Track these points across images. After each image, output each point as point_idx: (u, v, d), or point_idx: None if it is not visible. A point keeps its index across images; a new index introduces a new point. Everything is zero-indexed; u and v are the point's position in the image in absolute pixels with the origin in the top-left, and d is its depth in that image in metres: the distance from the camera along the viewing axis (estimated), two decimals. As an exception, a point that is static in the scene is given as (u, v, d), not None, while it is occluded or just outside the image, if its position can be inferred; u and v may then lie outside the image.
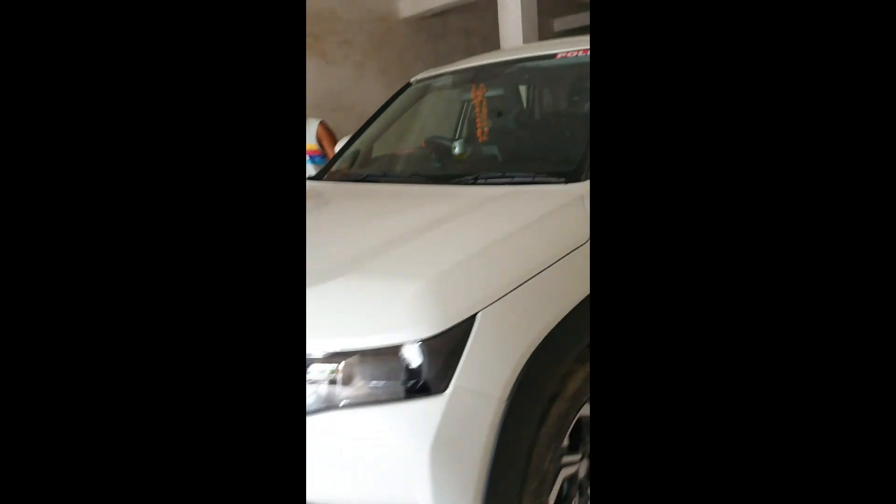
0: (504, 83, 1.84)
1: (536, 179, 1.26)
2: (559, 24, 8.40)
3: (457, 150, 1.75)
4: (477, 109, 1.87)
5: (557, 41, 1.84)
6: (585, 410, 1.11)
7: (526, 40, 4.45)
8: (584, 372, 1.07)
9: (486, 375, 0.79)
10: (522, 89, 1.95)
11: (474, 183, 1.32)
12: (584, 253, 1.04)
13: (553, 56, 1.69)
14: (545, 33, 7.85)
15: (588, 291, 1.04)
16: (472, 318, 0.78)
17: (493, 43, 4.69)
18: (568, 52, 1.66)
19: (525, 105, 2.07)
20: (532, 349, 0.87)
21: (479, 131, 1.89)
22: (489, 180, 1.31)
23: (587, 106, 1.58)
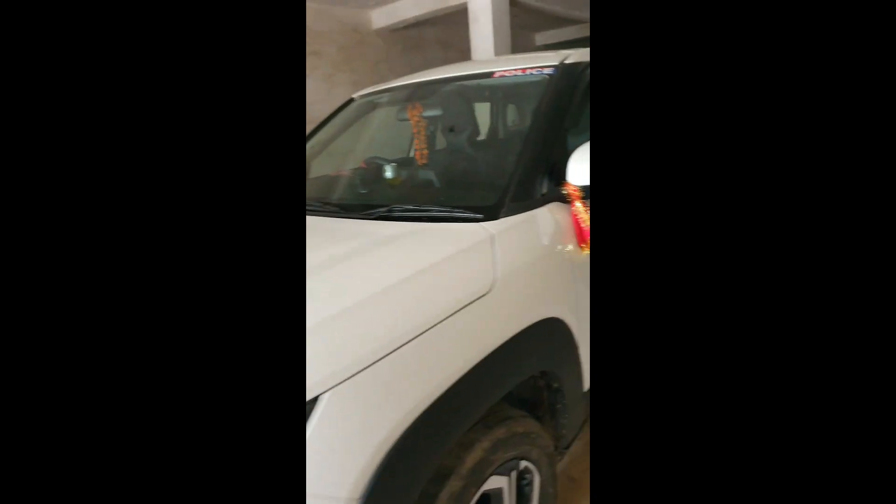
0: (440, 102, 1.71)
1: (453, 214, 1.12)
2: (541, 38, 8.37)
3: (388, 175, 1.62)
4: (414, 129, 1.74)
5: (501, 58, 1.72)
6: (493, 483, 0.97)
7: (498, 53, 4.36)
8: (488, 440, 0.94)
9: (329, 473, 0.64)
10: (469, 107, 1.82)
11: (388, 216, 1.18)
12: (488, 304, 0.90)
13: (490, 74, 1.57)
14: (527, 48, 7.80)
15: (495, 345, 0.91)
16: (313, 402, 0.64)
17: (470, 56, 4.60)
18: (506, 70, 1.54)
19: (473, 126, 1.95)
20: (403, 429, 0.73)
21: (417, 153, 1.76)
22: (405, 213, 1.18)
23: (523, 128, 1.47)
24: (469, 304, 0.86)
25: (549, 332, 1.07)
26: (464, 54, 6.03)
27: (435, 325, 0.79)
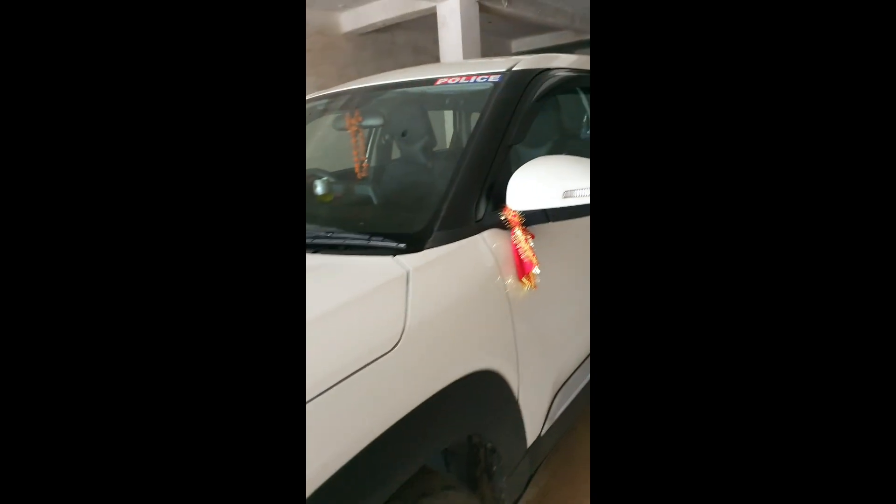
0: (380, 110, 1.55)
1: (372, 243, 0.95)
2: (517, 45, 8.30)
3: (318, 191, 1.44)
4: (353, 140, 1.57)
5: (450, 64, 1.56)
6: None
7: (466, 59, 4.23)
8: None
9: None
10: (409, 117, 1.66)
11: (297, 244, 1.01)
12: (395, 360, 0.73)
13: (433, 81, 1.40)
14: (502, 55, 7.71)
15: (403, 411, 0.74)
16: None
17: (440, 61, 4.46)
18: (449, 77, 1.38)
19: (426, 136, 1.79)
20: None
21: (356, 166, 1.58)
22: (313, 242, 1.00)
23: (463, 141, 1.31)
24: (366, 365, 0.68)
25: (480, 389, 0.90)
26: (436, 60, 5.90)
27: (317, 395, 0.61)
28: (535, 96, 1.26)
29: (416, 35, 5.74)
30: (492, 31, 6.51)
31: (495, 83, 1.26)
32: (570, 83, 1.50)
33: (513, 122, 1.16)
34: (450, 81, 1.36)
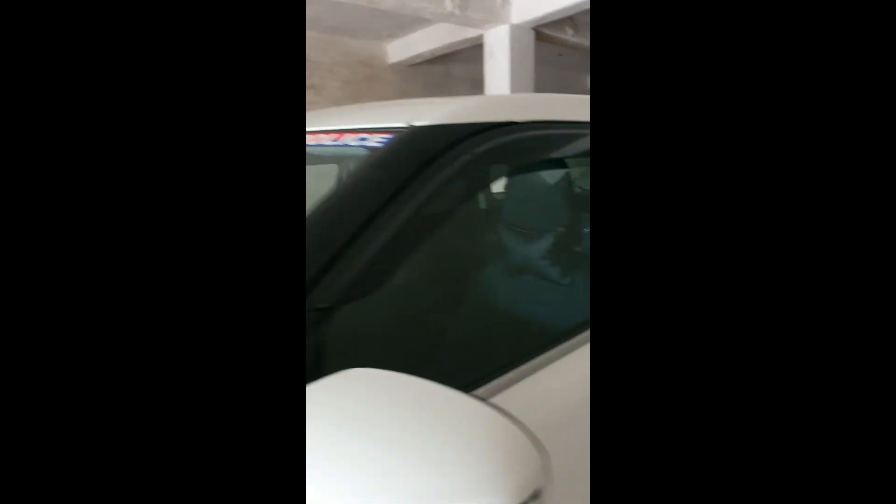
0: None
1: None
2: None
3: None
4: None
5: (347, 108, 0.97)
6: None
7: (515, 94, 3.62)
8: None
9: None
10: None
11: None
12: None
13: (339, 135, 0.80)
14: (574, 91, 7.01)
15: None
16: None
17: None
18: (345, 131, 0.77)
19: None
20: None
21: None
22: None
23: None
24: None
25: None
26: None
27: None
28: (448, 179, 0.62)
29: (474, 67, 5.24)
30: (563, 65, 5.87)
31: (372, 150, 0.64)
32: (561, 143, 0.85)
33: (355, 252, 0.53)
34: (341, 138, 0.75)
